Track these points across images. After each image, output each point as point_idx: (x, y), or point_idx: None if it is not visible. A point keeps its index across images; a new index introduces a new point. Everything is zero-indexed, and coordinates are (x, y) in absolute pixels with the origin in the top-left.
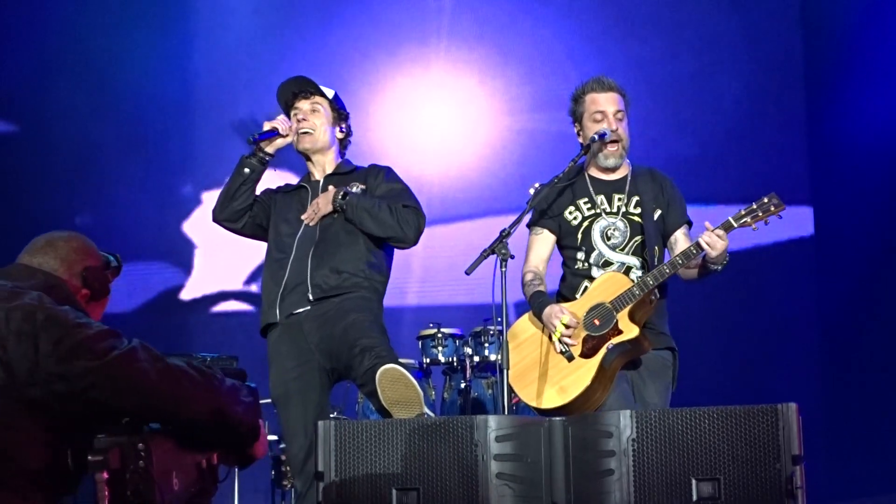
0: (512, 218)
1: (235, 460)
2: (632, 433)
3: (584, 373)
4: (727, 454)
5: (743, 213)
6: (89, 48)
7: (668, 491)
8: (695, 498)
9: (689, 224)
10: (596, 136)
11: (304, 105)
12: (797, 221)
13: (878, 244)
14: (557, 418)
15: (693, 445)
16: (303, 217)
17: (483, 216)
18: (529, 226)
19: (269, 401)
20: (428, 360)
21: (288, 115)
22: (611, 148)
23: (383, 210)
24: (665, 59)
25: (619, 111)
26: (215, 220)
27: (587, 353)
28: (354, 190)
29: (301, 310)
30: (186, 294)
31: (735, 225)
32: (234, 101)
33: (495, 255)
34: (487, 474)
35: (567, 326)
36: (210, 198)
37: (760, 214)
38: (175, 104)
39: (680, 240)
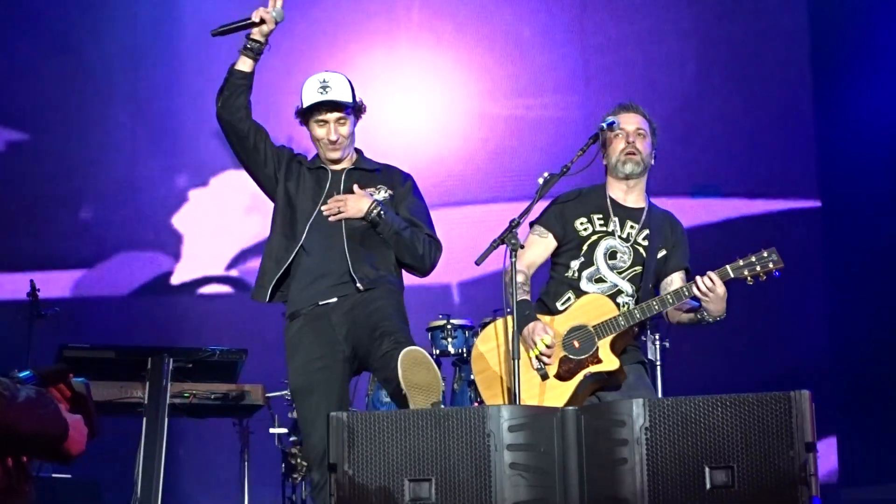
0: (488, 207)
1: (51, 459)
2: (645, 422)
3: (558, 395)
4: (740, 442)
5: (741, 263)
6: (78, 51)
7: (681, 479)
8: (708, 486)
9: (688, 271)
10: (604, 125)
11: (330, 116)
12: (805, 217)
13: (885, 240)
14: (570, 408)
15: (706, 433)
16: (324, 210)
17: (461, 205)
18: (534, 223)
19: (281, 393)
20: (438, 352)
21: (305, 119)
22: (629, 153)
23: (416, 240)
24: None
25: (639, 129)
26: (218, 116)
27: (563, 376)
28: (381, 196)
29: (329, 301)
30: (175, 279)
31: (731, 275)
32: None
33: (505, 245)
34: (501, 464)
35: (548, 346)
36: (196, 195)
37: (759, 269)
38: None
39: (675, 282)
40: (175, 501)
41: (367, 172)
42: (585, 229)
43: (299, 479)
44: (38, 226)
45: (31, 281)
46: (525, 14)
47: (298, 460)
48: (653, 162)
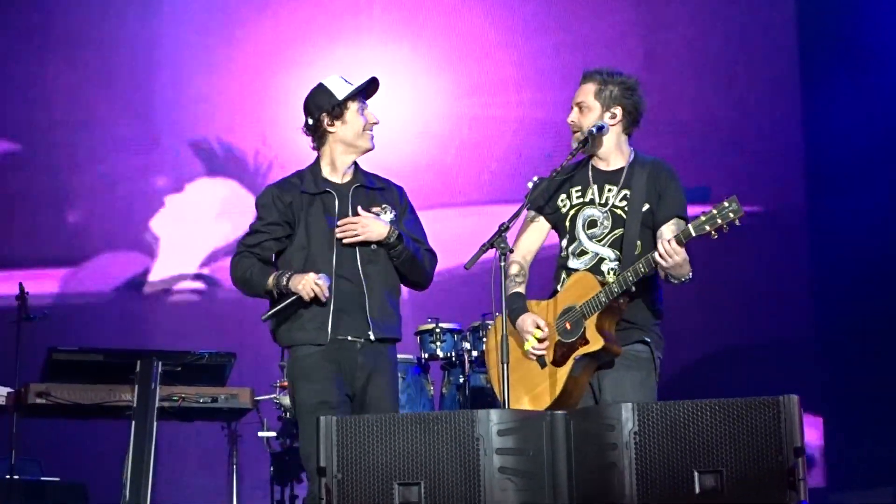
0: (458, 211)
1: None
2: (634, 426)
3: (555, 381)
4: (729, 446)
5: (703, 219)
6: (62, 61)
7: (670, 483)
8: (697, 490)
9: (684, 219)
10: (594, 130)
11: (368, 102)
12: (791, 214)
13: (875, 242)
14: (559, 412)
15: (695, 438)
16: (338, 233)
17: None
18: (527, 207)
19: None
20: (426, 356)
21: (336, 110)
22: (573, 132)
23: (425, 260)
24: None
25: (581, 102)
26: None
27: (558, 361)
28: (388, 217)
29: (356, 339)
30: (153, 276)
31: (694, 233)
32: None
33: (494, 249)
34: (490, 468)
35: (540, 340)
36: (171, 201)
37: (720, 221)
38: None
39: (665, 234)
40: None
41: (373, 191)
42: (564, 205)
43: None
44: (23, 227)
45: (20, 284)
46: (492, 11)
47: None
48: (614, 121)
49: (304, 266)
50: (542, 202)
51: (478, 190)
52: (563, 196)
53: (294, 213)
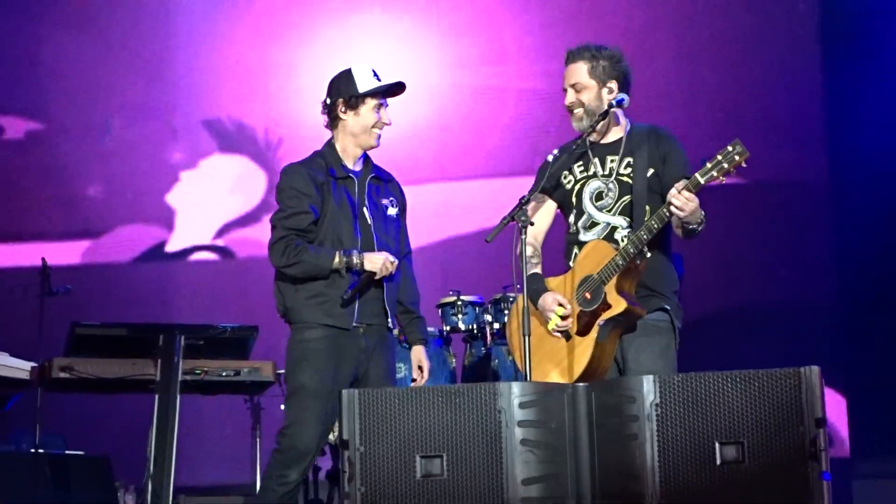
0: (471, 184)
1: None
2: (655, 398)
3: (582, 350)
4: (750, 418)
5: (709, 166)
6: (84, 42)
7: (691, 455)
8: (718, 461)
9: (689, 178)
10: (614, 102)
11: (384, 101)
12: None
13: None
14: (581, 384)
15: (716, 409)
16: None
17: (429, 182)
18: (531, 191)
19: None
20: (448, 328)
21: (353, 101)
22: (571, 115)
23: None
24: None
25: (576, 83)
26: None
27: (582, 331)
28: (393, 212)
29: (361, 324)
30: (169, 247)
31: (702, 181)
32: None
33: (515, 222)
34: (511, 440)
35: (563, 318)
36: (186, 176)
37: (726, 165)
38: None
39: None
40: (187, 478)
41: (384, 182)
42: (569, 182)
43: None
44: (45, 201)
45: (43, 259)
46: None
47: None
48: (612, 96)
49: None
50: (548, 184)
51: (484, 162)
52: (566, 172)
53: (324, 194)
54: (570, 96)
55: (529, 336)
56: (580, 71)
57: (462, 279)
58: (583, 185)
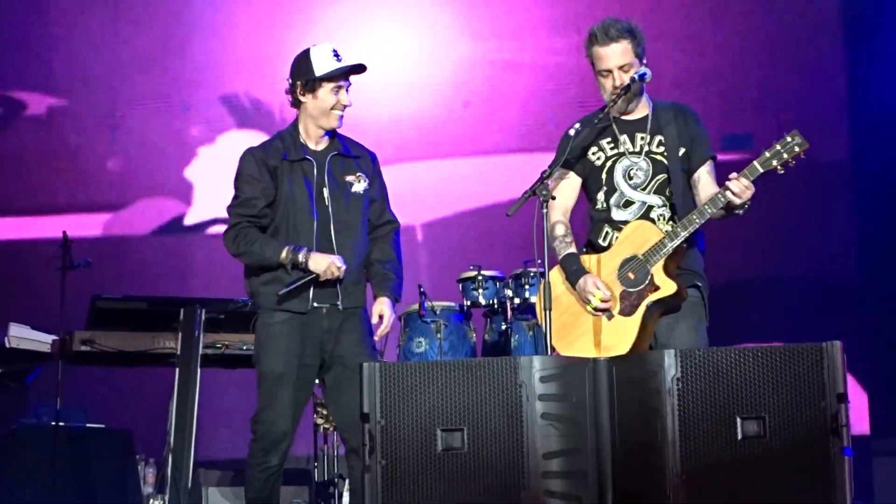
0: (490, 160)
1: None
2: (676, 372)
3: (626, 331)
4: (772, 393)
5: (768, 155)
6: (106, 24)
7: (713, 429)
8: (740, 436)
9: (714, 159)
10: (636, 77)
11: (345, 83)
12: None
13: None
14: (602, 358)
15: (738, 384)
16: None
17: (449, 157)
18: (552, 167)
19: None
20: (468, 303)
21: (310, 84)
22: (618, 96)
23: (400, 277)
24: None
25: (624, 64)
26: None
27: (626, 311)
28: (360, 187)
29: (322, 304)
30: (187, 220)
31: (761, 170)
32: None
33: (536, 196)
34: (532, 414)
35: (602, 300)
36: (204, 151)
37: (786, 156)
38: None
39: (703, 177)
40: (207, 451)
41: (350, 159)
42: (598, 158)
43: (331, 429)
44: (67, 175)
45: (64, 233)
46: None
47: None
48: (647, 74)
49: (289, 234)
50: (571, 158)
51: (499, 136)
52: (595, 149)
53: (277, 178)
54: (619, 78)
55: (550, 310)
56: (626, 51)
57: (482, 254)
58: (614, 162)
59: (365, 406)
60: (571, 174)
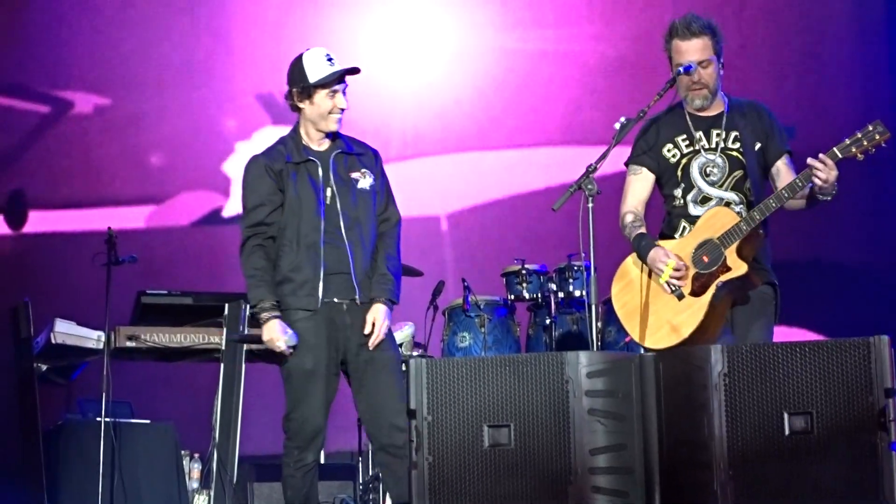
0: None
1: None
2: (723, 367)
3: (695, 311)
4: (819, 388)
5: (848, 142)
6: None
7: (760, 425)
8: (787, 432)
9: (790, 153)
10: (681, 70)
11: (340, 87)
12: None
13: None
14: (649, 353)
15: (785, 379)
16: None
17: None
18: (627, 164)
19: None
20: (512, 297)
21: (306, 91)
22: (695, 90)
23: (398, 277)
24: None
25: (703, 60)
26: None
27: (697, 291)
28: (366, 183)
29: (342, 300)
30: (225, 213)
31: (840, 155)
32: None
33: (582, 191)
34: (579, 410)
35: (675, 269)
36: (241, 147)
37: (865, 143)
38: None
39: (781, 170)
40: (252, 446)
41: (353, 156)
42: (674, 155)
43: None
44: (112, 170)
45: (109, 229)
46: None
47: None
48: (722, 70)
49: (298, 235)
50: (644, 155)
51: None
52: (670, 146)
53: (283, 182)
54: (698, 74)
55: (596, 304)
56: (706, 46)
57: (527, 247)
58: (690, 160)
59: (412, 402)
60: (644, 170)
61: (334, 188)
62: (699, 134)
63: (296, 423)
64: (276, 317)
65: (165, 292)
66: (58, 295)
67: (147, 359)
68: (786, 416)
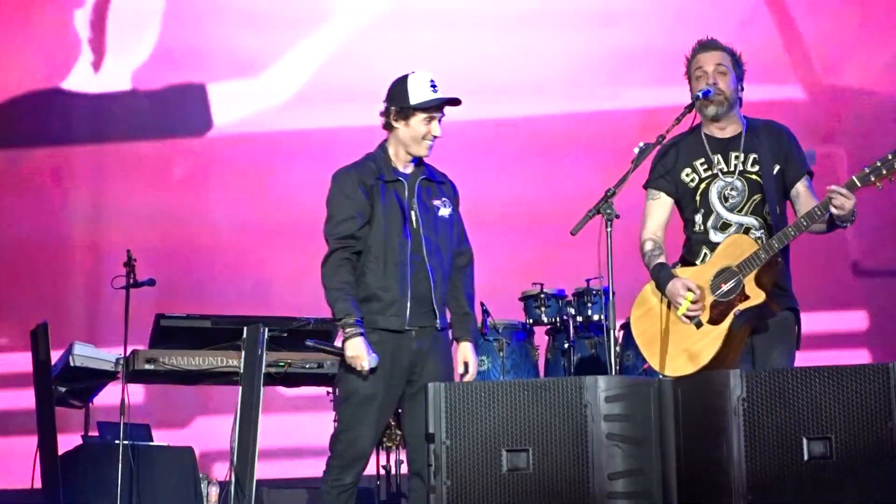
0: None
1: None
2: (742, 392)
3: (713, 339)
4: (838, 413)
5: (867, 171)
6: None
7: (779, 450)
8: (806, 457)
9: (811, 174)
10: (700, 95)
11: (438, 115)
12: None
13: None
14: (667, 378)
15: (803, 404)
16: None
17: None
18: (645, 188)
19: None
20: (531, 321)
21: (404, 112)
22: (715, 99)
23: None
24: None
25: (719, 65)
26: None
27: (715, 319)
28: (446, 212)
29: (418, 326)
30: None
31: (859, 184)
32: None
33: (600, 215)
34: (598, 435)
35: (693, 302)
36: None
37: (885, 172)
38: None
39: (801, 193)
40: (270, 469)
41: (435, 184)
42: (692, 180)
43: (393, 446)
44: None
45: (128, 251)
46: None
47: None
48: (741, 93)
49: (385, 254)
50: (662, 179)
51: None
52: (688, 170)
53: (373, 198)
54: (713, 77)
55: (614, 329)
56: (723, 57)
57: (544, 271)
58: (709, 185)
59: (430, 426)
60: (662, 195)
61: (417, 212)
62: (717, 157)
63: (343, 444)
64: (361, 333)
65: (184, 315)
66: (77, 317)
67: (166, 382)
68: (805, 441)
